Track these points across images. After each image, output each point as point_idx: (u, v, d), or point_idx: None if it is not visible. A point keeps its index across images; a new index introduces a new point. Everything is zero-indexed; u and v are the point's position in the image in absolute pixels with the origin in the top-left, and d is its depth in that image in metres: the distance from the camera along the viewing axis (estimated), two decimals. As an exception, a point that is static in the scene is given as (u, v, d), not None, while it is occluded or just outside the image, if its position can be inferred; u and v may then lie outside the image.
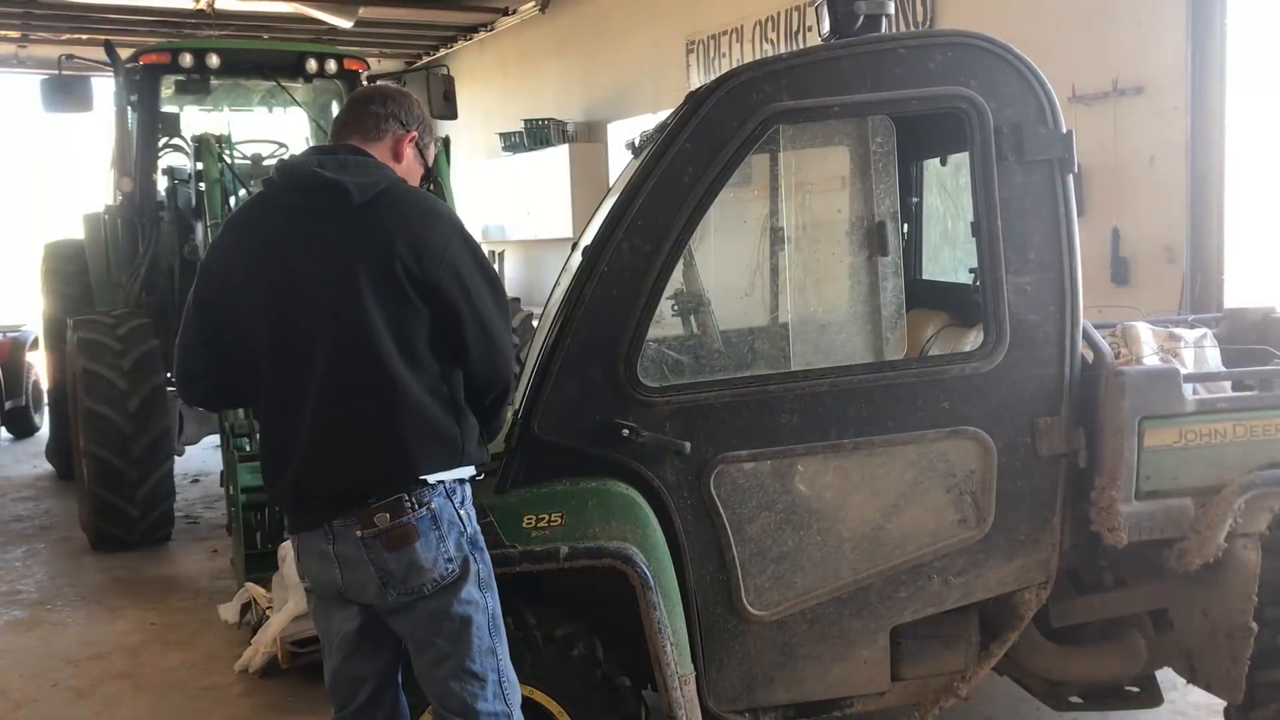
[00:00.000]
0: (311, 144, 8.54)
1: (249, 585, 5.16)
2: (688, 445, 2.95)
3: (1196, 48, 5.64)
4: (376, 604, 2.54)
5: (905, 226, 4.19)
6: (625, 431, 2.91)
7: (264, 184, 2.64)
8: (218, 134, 6.74)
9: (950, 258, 4.35)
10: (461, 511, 2.56)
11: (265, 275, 2.53)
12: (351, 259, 2.45)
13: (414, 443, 2.47)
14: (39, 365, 10.30)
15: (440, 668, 2.53)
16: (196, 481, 8.68)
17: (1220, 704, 3.45)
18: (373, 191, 2.48)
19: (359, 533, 2.46)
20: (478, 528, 2.61)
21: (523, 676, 2.72)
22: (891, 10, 3.30)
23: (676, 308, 3.66)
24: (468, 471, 2.60)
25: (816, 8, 3.37)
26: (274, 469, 2.60)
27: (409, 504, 2.46)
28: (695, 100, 3.02)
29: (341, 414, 2.48)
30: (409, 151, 2.69)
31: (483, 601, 2.56)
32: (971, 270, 3.66)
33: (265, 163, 7.87)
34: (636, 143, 3.62)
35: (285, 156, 7.93)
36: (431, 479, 2.49)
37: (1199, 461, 3.16)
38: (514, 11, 12.55)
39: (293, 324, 2.50)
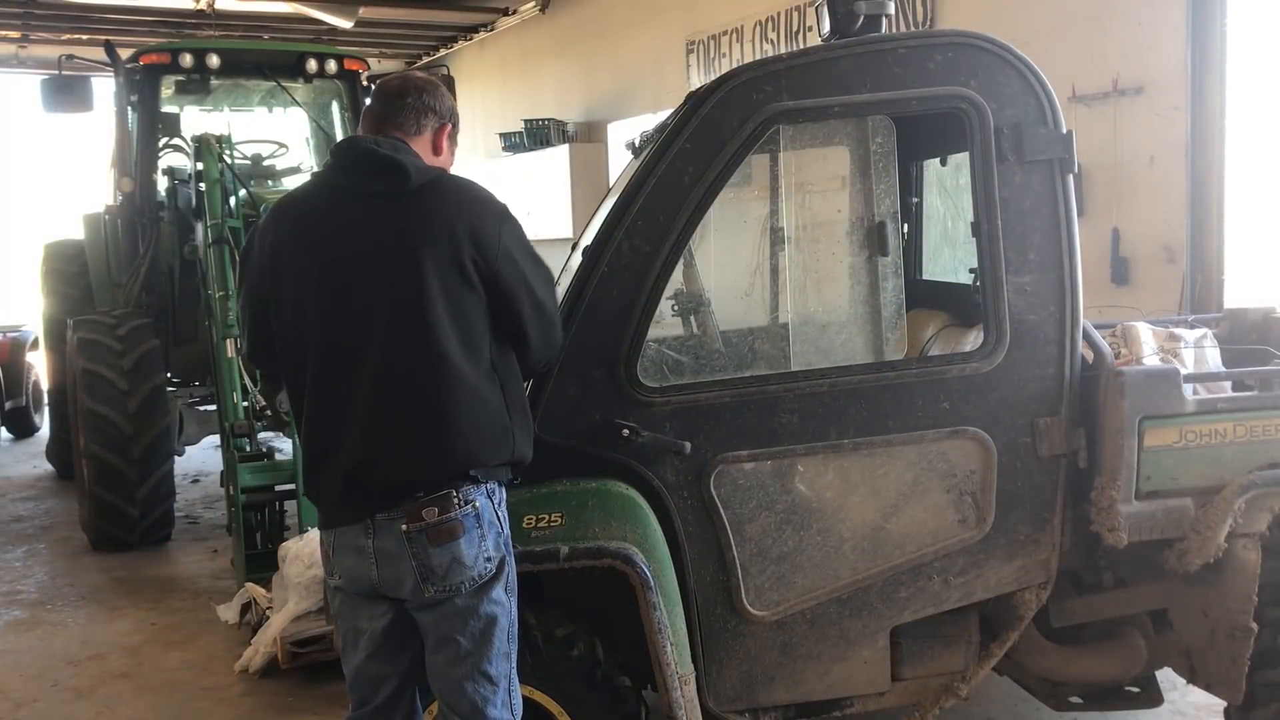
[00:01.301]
0: (312, 144, 8.55)
1: (249, 585, 5.16)
2: (688, 445, 2.95)
3: (1196, 48, 5.64)
4: (411, 599, 2.52)
5: (905, 226, 4.19)
6: (625, 431, 2.91)
7: (324, 165, 2.64)
8: (218, 134, 6.74)
9: (950, 258, 4.35)
10: (500, 512, 2.57)
11: (319, 257, 2.50)
12: (413, 243, 2.44)
13: (470, 434, 2.47)
14: (39, 365, 10.30)
15: (457, 666, 2.52)
16: (196, 481, 8.68)
17: (1220, 704, 3.45)
18: (428, 176, 2.49)
19: (404, 527, 2.45)
20: (509, 532, 2.61)
21: (523, 676, 2.72)
22: (891, 10, 3.30)
23: (676, 308, 3.66)
24: (505, 474, 2.60)
25: (816, 8, 3.37)
26: (319, 460, 2.56)
27: (456, 500, 2.46)
28: (695, 100, 3.01)
29: (398, 403, 2.46)
30: (445, 143, 2.69)
31: (507, 605, 2.56)
32: (971, 270, 3.66)
33: (265, 163, 7.88)
34: (636, 143, 3.62)
35: (284, 156, 7.97)
36: (481, 476, 2.50)
37: (1199, 461, 3.15)
38: (514, 11, 12.55)
39: (347, 308, 2.48)
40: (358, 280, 2.47)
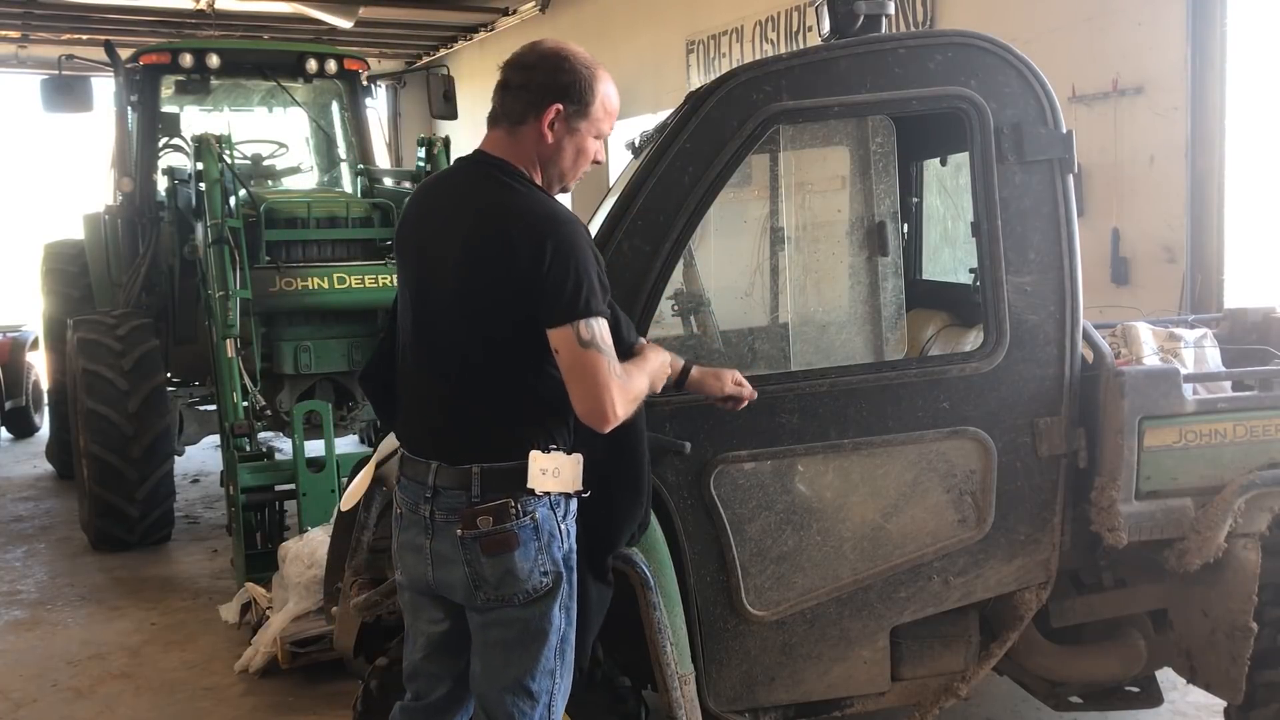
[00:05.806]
0: (311, 144, 8.54)
1: (249, 585, 5.16)
2: (688, 445, 2.94)
3: (1196, 48, 5.64)
4: (464, 603, 2.48)
5: (905, 226, 4.19)
6: (625, 431, 2.90)
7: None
8: (218, 134, 6.73)
9: (950, 258, 4.35)
10: (563, 526, 2.47)
11: None
12: None
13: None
14: (39, 365, 10.29)
15: (499, 676, 2.47)
16: (196, 481, 8.67)
17: (1220, 704, 3.45)
18: None
19: (459, 532, 2.40)
20: (574, 546, 2.52)
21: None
22: (891, 10, 3.30)
23: (676, 308, 3.66)
24: (573, 485, 2.47)
25: (816, 8, 3.37)
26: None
27: (514, 510, 2.39)
28: (695, 100, 3.01)
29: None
30: (551, 130, 2.48)
31: (559, 623, 2.48)
32: (971, 270, 3.66)
33: (265, 163, 7.87)
34: (636, 143, 3.62)
35: (284, 156, 7.96)
36: (539, 489, 2.40)
37: (1199, 461, 3.16)
38: (514, 11, 12.56)
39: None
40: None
